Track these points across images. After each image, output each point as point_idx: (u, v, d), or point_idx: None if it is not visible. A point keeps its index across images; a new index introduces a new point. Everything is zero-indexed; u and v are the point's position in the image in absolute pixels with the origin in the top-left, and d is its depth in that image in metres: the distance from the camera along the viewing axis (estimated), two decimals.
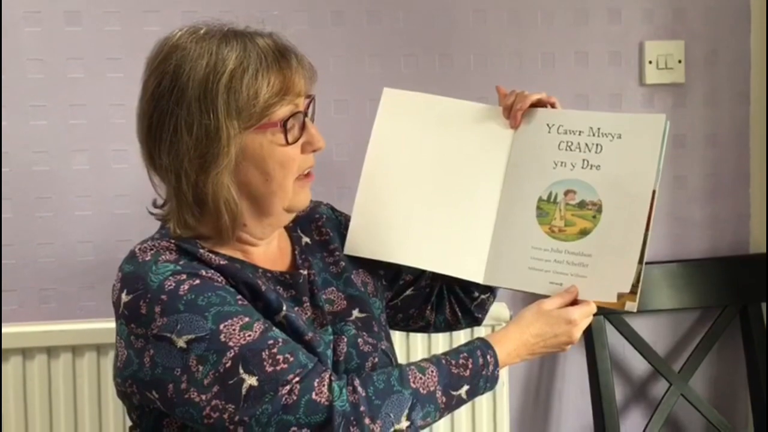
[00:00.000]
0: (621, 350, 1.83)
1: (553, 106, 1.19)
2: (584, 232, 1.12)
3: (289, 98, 1.05)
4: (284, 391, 0.96)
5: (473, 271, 1.17)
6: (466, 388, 1.04)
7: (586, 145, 1.14)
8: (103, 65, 1.61)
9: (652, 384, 1.86)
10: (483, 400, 1.71)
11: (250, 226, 1.08)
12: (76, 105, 1.62)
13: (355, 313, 1.14)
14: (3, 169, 1.60)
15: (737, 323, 1.84)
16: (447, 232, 1.18)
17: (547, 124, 1.17)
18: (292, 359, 0.98)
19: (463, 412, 1.71)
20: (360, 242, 1.18)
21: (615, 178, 1.12)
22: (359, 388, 0.99)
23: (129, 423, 1.11)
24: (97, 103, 1.62)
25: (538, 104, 1.18)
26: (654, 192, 1.11)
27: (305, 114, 1.08)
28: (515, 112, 1.18)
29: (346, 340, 1.10)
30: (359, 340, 1.11)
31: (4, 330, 1.56)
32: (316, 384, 0.97)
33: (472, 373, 1.05)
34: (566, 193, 1.14)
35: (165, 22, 1.62)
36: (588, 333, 1.75)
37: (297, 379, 0.97)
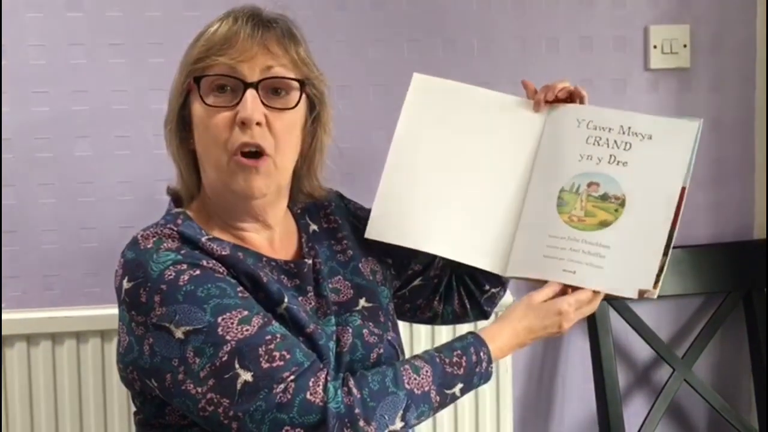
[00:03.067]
0: (624, 336, 1.83)
1: (581, 99, 1.18)
2: (604, 224, 1.11)
3: (219, 60, 1.02)
4: (279, 389, 0.96)
5: (494, 263, 1.16)
6: (460, 386, 1.05)
7: (615, 141, 1.14)
8: (105, 51, 1.61)
9: (656, 370, 1.86)
10: (486, 386, 1.70)
11: (214, 200, 1.08)
12: (78, 91, 1.61)
13: (362, 302, 1.13)
14: (5, 156, 1.60)
15: (741, 309, 1.83)
16: (471, 222, 1.17)
17: (577, 119, 1.16)
18: (288, 356, 0.97)
19: (466, 398, 1.70)
20: (382, 227, 1.17)
21: (642, 176, 1.12)
22: (354, 390, 0.98)
23: (134, 409, 1.11)
24: (99, 89, 1.61)
25: (570, 100, 1.18)
26: (684, 189, 1.11)
27: (251, 85, 1.03)
28: (538, 99, 1.18)
29: (351, 330, 1.09)
30: (365, 330, 1.10)
31: (8, 316, 1.56)
32: (311, 383, 0.97)
33: (466, 371, 1.04)
34: (589, 184, 1.14)
35: (167, 8, 1.61)
36: (591, 319, 1.75)
37: (292, 377, 0.97)
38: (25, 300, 1.62)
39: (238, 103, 1.02)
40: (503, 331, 1.08)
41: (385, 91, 1.70)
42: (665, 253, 1.09)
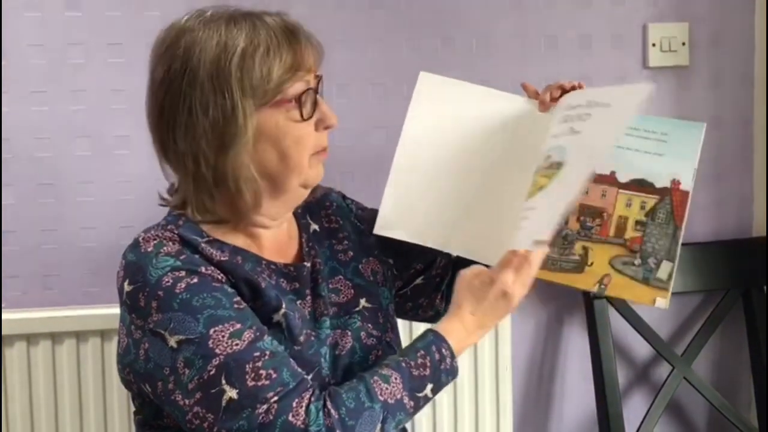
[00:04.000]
0: (624, 334, 1.83)
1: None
2: (540, 188, 1.10)
3: (300, 74, 1.04)
4: (261, 410, 0.96)
5: (497, 258, 1.17)
6: (430, 386, 1.04)
7: (579, 115, 1.13)
8: (104, 51, 1.61)
9: (655, 367, 1.87)
10: (486, 385, 1.71)
11: (265, 206, 1.07)
12: (77, 91, 1.61)
13: (362, 302, 1.13)
14: (4, 156, 1.60)
15: (740, 306, 1.84)
16: (477, 218, 1.17)
17: (560, 106, 1.17)
18: (275, 375, 0.97)
19: (466, 396, 1.71)
20: (390, 224, 1.18)
21: (585, 142, 1.10)
22: (332, 411, 0.98)
23: (133, 409, 1.11)
24: (98, 88, 1.61)
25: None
26: (688, 193, 1.11)
27: (316, 91, 1.07)
28: (543, 99, 1.17)
29: (350, 333, 1.09)
30: (362, 333, 1.10)
31: (7, 316, 1.56)
32: (294, 405, 0.97)
33: (432, 370, 1.04)
34: (546, 158, 1.12)
35: (165, 7, 1.61)
36: (591, 317, 1.75)
37: (276, 398, 0.97)
38: (25, 300, 1.62)
39: (314, 110, 1.06)
40: (453, 324, 1.07)
41: (383, 90, 1.70)
42: (672, 259, 1.10)
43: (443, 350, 1.05)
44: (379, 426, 0.99)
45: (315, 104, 1.06)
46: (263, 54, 1.02)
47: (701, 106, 1.83)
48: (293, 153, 1.05)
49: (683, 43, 1.80)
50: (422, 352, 1.05)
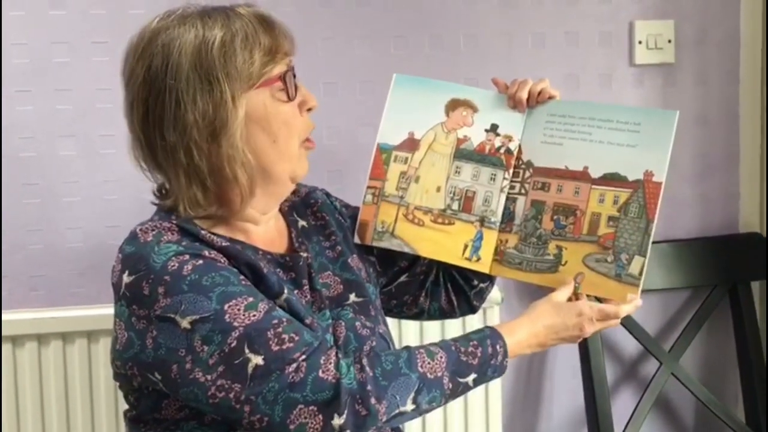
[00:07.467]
0: (612, 330, 1.84)
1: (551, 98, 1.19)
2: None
3: (279, 57, 1.06)
4: (291, 369, 0.96)
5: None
6: (473, 376, 1.05)
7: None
8: (89, 49, 1.60)
9: (643, 363, 1.87)
10: None
11: (257, 196, 1.08)
12: (61, 90, 1.60)
13: (352, 297, 1.14)
14: None
15: (727, 302, 1.85)
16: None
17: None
18: (297, 338, 0.98)
19: None
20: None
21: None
22: (367, 368, 0.99)
23: (122, 409, 1.11)
24: (83, 87, 1.60)
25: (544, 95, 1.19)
26: (661, 184, 1.12)
27: (294, 75, 1.08)
28: (520, 98, 1.18)
29: (344, 324, 1.10)
30: (357, 323, 1.11)
31: None
32: (322, 361, 0.98)
33: (480, 361, 1.05)
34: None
35: (150, 5, 1.59)
36: None
37: (303, 357, 0.97)
38: (11, 301, 1.61)
39: (297, 92, 1.07)
40: (522, 327, 1.09)
41: (371, 87, 1.70)
42: (644, 254, 1.10)
43: (497, 347, 1.06)
44: (412, 395, 1.00)
45: (295, 87, 1.08)
46: (242, 40, 1.03)
47: (687, 103, 1.83)
48: (282, 135, 1.06)
49: (669, 41, 1.80)
50: (475, 342, 1.06)
